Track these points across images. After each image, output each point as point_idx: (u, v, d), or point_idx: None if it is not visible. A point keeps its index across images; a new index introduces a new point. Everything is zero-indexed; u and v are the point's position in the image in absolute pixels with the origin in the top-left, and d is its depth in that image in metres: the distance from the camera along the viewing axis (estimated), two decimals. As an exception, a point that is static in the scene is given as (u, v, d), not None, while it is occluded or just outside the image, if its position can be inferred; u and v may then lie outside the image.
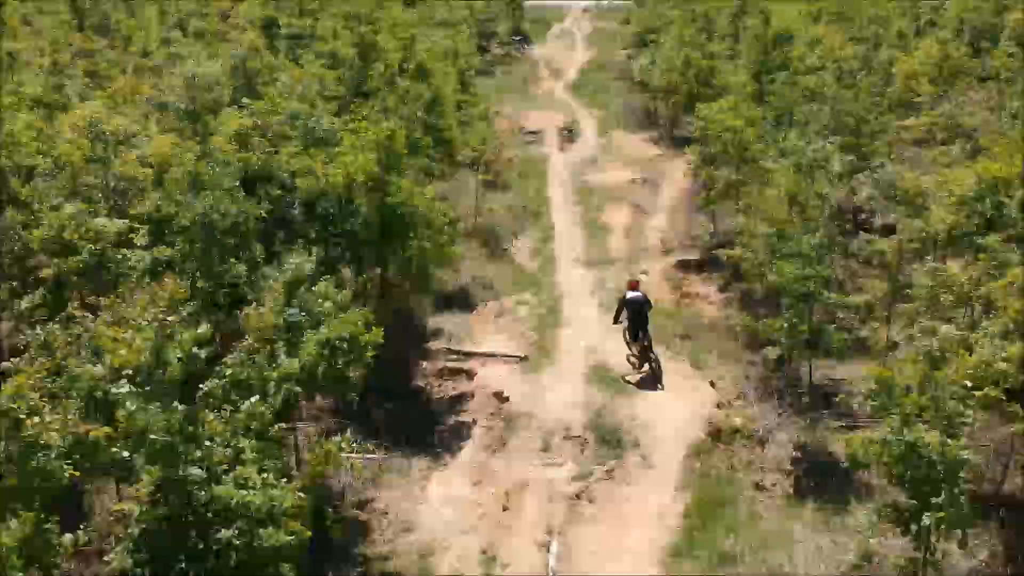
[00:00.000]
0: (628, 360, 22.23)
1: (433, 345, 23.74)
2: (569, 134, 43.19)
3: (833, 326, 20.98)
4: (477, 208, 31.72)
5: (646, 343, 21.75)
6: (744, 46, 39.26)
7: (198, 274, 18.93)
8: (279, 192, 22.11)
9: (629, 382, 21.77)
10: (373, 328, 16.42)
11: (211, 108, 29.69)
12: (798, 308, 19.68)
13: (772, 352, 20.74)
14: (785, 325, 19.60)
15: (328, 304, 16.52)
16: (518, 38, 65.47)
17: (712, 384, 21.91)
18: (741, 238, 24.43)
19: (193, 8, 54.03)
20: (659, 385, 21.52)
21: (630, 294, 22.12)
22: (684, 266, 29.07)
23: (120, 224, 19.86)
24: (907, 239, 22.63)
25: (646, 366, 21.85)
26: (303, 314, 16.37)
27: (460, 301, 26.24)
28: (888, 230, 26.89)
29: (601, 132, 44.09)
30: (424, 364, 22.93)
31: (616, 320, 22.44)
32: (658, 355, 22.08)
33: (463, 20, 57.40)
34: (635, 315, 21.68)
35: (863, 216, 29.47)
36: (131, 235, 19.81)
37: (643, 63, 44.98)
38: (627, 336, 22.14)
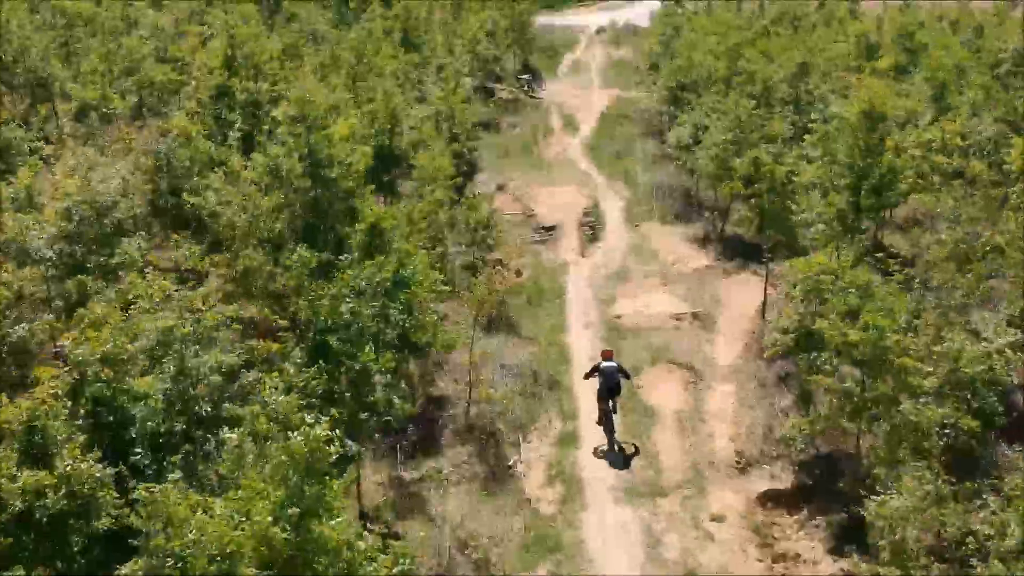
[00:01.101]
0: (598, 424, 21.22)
1: None
2: (592, 231, 32.99)
3: None
4: (472, 385, 21.69)
5: (612, 409, 20.93)
6: (827, 142, 29.04)
7: None
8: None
9: (597, 455, 20.73)
10: None
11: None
12: None
13: None
14: None
15: None
16: (527, 76, 55.17)
17: None
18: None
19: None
20: (617, 449, 20.64)
21: (604, 364, 21.22)
22: (772, 499, 19.12)
23: None
24: None
25: (610, 436, 20.83)
26: None
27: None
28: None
29: (630, 222, 33.94)
30: None
31: (587, 377, 21.70)
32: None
33: (464, 66, 47.16)
34: (606, 386, 20.90)
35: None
36: None
37: (680, 135, 34.71)
38: (597, 397, 21.19)
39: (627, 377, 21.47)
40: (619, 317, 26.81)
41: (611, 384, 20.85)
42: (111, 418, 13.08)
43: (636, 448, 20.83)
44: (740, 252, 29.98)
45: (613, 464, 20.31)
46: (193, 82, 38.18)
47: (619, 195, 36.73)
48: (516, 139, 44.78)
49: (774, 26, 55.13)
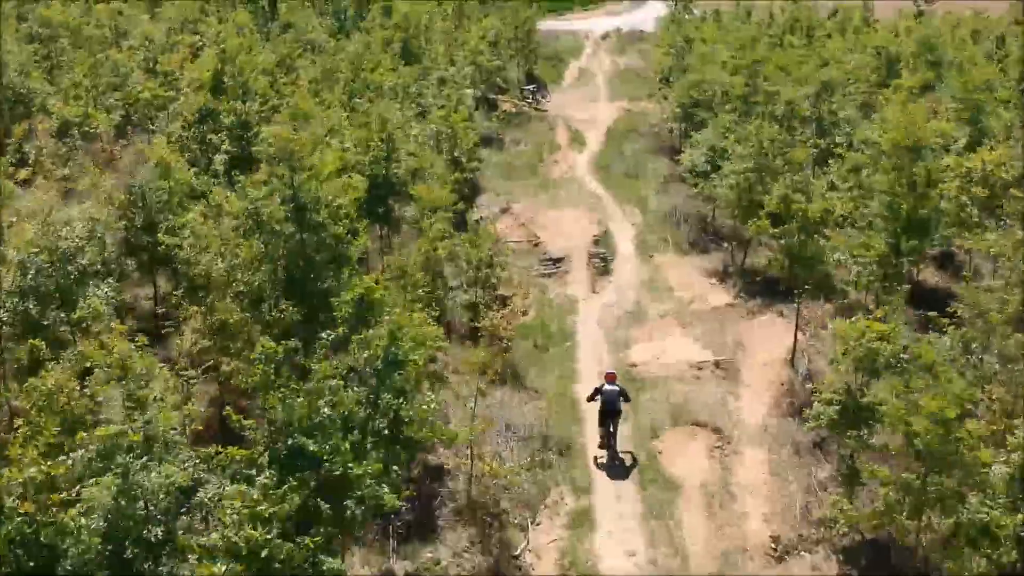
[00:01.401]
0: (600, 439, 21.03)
1: None
2: (602, 262, 30.44)
3: None
4: (473, 457, 19.16)
5: (612, 431, 20.76)
6: (857, 173, 26.50)
7: None
8: None
9: (598, 464, 20.53)
10: None
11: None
12: None
13: None
14: None
15: None
16: (531, 87, 52.65)
17: None
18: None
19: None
20: (617, 462, 20.47)
21: (606, 386, 21.01)
22: (815, 597, 16.66)
23: None
24: None
25: (609, 452, 20.70)
26: None
27: None
28: None
29: (643, 252, 31.42)
30: None
31: (590, 399, 21.42)
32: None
33: (465, 78, 44.62)
34: (607, 408, 20.66)
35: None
36: None
37: (695, 159, 32.09)
38: (599, 419, 20.93)
39: (627, 400, 21.14)
40: (634, 365, 24.31)
41: (611, 408, 20.66)
42: (32, 563, 10.59)
43: (635, 459, 20.63)
44: (763, 288, 27.47)
45: (613, 476, 20.14)
46: (182, 98, 35.80)
47: (630, 220, 34.22)
48: (521, 156, 42.29)
49: (787, 35, 52.65)
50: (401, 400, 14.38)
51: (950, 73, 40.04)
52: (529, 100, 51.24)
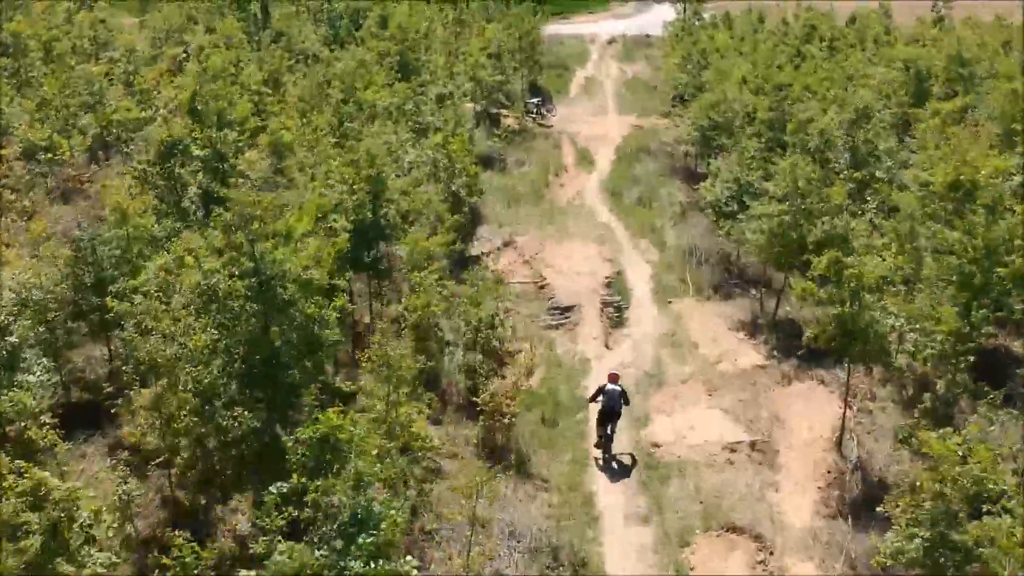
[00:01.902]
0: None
1: None
2: (616, 312, 26.89)
3: None
4: (471, 581, 15.69)
5: (610, 432, 20.44)
6: (906, 220, 22.89)
7: None
8: None
9: (597, 464, 20.29)
10: None
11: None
12: None
13: None
14: None
15: None
16: (536, 100, 48.98)
17: None
18: None
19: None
20: (615, 464, 20.29)
21: (609, 386, 20.72)
22: None
23: None
24: None
25: (605, 453, 20.50)
26: None
27: None
28: None
29: (660, 297, 27.91)
30: None
31: (591, 399, 21.25)
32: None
33: (465, 93, 41.11)
34: (606, 409, 20.40)
35: None
36: None
37: (716, 195, 28.44)
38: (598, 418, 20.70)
39: (627, 403, 20.89)
40: (657, 446, 20.82)
41: (612, 408, 20.49)
42: None
43: (634, 459, 20.49)
44: (799, 347, 23.84)
45: (613, 478, 20.03)
46: (158, 119, 32.32)
47: (645, 257, 30.68)
48: (525, 179, 38.69)
49: (806, 46, 48.98)
50: (373, 567, 10.88)
51: (983, 89, 36.46)
52: (533, 115, 47.62)
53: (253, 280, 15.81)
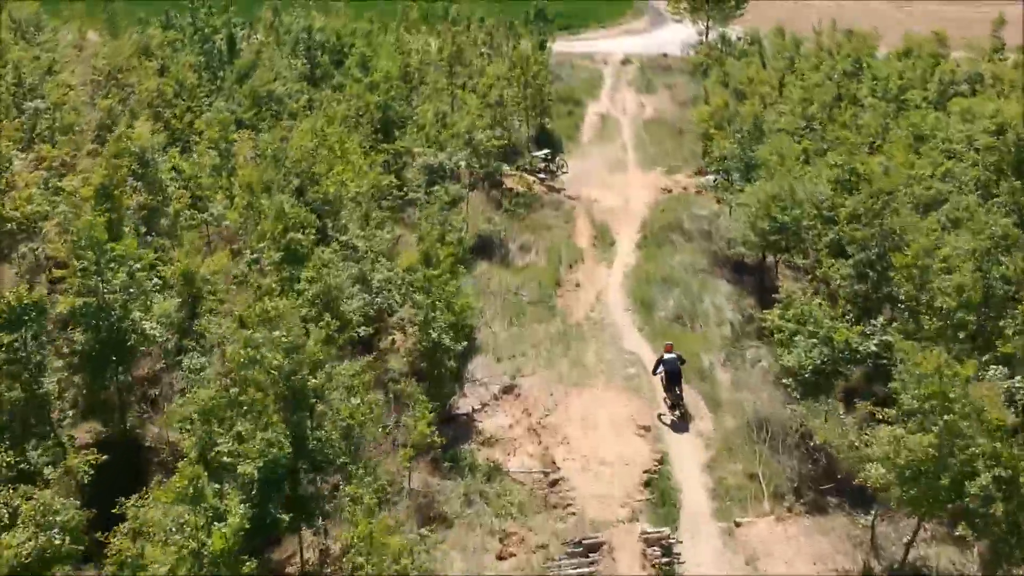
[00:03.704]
0: (663, 402, 21.82)
1: None
2: (666, 558, 17.44)
3: None
4: None
5: (679, 392, 21.59)
6: None
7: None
8: None
9: (663, 422, 21.27)
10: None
11: None
12: None
13: None
14: None
15: None
16: (544, 153, 39.39)
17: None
18: None
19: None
20: (688, 427, 21.00)
21: (667, 356, 21.90)
22: None
23: None
24: None
25: (677, 411, 21.59)
26: None
27: None
28: None
29: (722, 508, 18.75)
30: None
31: (654, 372, 22.24)
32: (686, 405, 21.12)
33: (459, 164, 31.79)
34: (670, 374, 21.68)
35: None
36: None
37: (797, 358, 19.10)
38: (663, 385, 21.91)
39: (683, 362, 22.03)
40: None
41: (674, 373, 21.64)
42: None
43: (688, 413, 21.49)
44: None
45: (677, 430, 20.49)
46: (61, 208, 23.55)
47: (696, 427, 21.47)
48: (531, 275, 29.39)
49: (861, 88, 39.52)
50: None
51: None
52: (542, 174, 38.24)
53: None
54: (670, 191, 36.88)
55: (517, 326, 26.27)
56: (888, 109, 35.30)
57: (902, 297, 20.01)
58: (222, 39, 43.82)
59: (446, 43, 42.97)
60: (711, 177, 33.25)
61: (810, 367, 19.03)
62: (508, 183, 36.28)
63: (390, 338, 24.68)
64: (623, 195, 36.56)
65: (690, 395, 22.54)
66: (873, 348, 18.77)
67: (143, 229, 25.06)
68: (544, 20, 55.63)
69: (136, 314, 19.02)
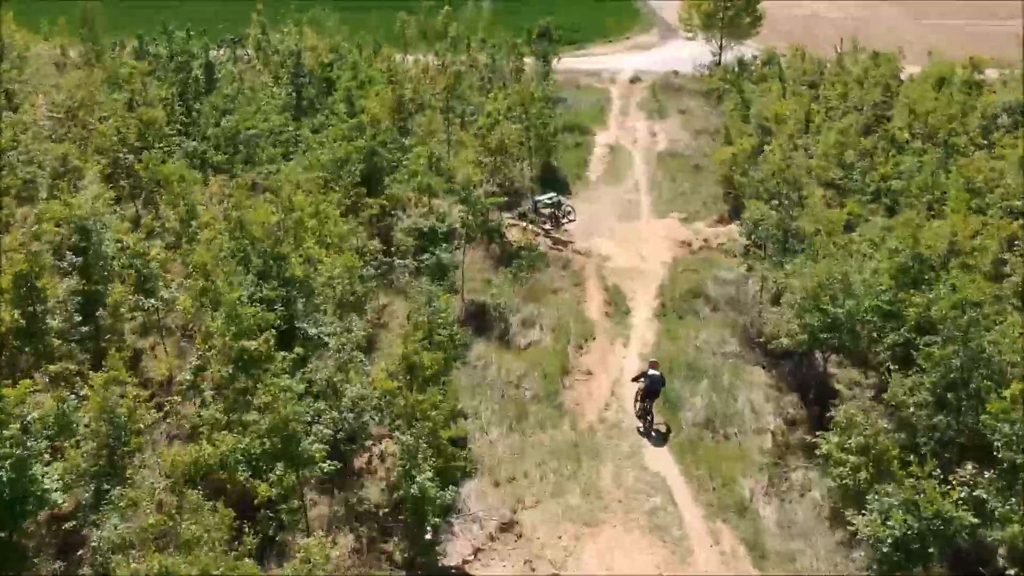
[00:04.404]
0: (633, 408, 22.41)
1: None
2: None
3: None
4: None
5: (649, 407, 21.87)
6: None
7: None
8: None
9: (639, 431, 21.48)
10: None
11: None
12: None
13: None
14: None
15: None
16: (549, 198, 34.74)
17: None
18: None
19: None
20: (654, 434, 21.59)
21: (651, 372, 21.91)
22: None
23: None
24: None
25: (644, 422, 21.86)
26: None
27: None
28: None
29: None
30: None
31: (634, 380, 22.44)
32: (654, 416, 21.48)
33: (453, 224, 27.39)
34: (648, 390, 21.80)
35: None
36: None
37: (875, 527, 14.83)
38: (638, 396, 22.21)
39: (663, 385, 22.10)
40: None
41: (653, 388, 21.88)
42: None
43: (668, 428, 21.74)
44: None
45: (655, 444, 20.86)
46: None
47: (738, 589, 17.15)
48: (533, 360, 24.87)
49: (895, 122, 35.02)
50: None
51: None
52: (546, 224, 33.75)
53: None
54: (690, 245, 32.39)
55: (518, 431, 21.86)
56: (938, 155, 30.80)
57: (998, 445, 15.56)
58: (200, 65, 39.34)
59: (443, 75, 38.46)
60: (739, 240, 28.70)
61: (889, 539, 14.60)
62: (509, 235, 31.83)
63: (367, 455, 20.41)
64: (637, 251, 32.05)
65: (728, 540, 18.16)
66: (972, 520, 14.35)
67: (77, 317, 20.92)
68: (549, 40, 50.87)
69: (37, 468, 14.76)
